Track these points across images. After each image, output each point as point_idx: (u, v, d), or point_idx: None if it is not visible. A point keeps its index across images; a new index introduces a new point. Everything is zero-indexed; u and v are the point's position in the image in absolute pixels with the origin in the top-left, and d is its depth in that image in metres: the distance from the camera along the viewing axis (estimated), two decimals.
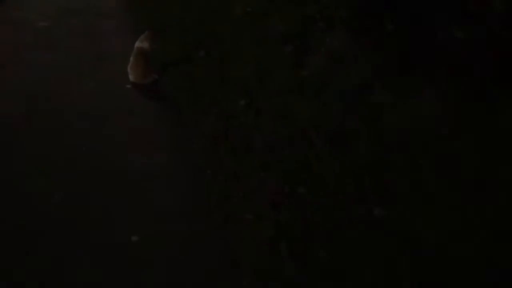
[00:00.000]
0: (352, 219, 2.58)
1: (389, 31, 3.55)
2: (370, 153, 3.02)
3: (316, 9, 4.31)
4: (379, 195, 2.72)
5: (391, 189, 2.75)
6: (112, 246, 2.44)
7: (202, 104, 3.69)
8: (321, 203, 2.68)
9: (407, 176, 2.83)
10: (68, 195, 2.77)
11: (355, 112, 3.37)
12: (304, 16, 4.39)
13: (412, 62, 3.41)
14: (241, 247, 2.45)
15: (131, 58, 4.11)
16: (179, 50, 4.56)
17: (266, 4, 4.97)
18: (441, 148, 3.00)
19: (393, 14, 3.52)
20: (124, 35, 5.27)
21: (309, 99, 3.54)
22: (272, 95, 3.65)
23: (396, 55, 3.50)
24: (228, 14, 5.07)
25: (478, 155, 2.89)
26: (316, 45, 4.06)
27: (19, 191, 2.80)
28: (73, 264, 2.33)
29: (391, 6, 3.53)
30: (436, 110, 3.21)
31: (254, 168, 2.96)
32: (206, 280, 2.30)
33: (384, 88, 3.44)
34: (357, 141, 3.13)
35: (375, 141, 3.10)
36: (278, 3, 4.86)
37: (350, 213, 2.62)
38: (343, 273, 2.27)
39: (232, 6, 5.11)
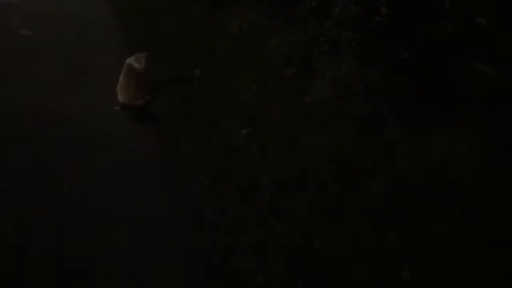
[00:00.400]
0: (377, 282, 2.09)
1: (404, 59, 3.05)
2: (388, 197, 2.53)
3: (319, 31, 3.77)
4: (404, 251, 2.23)
5: (417, 244, 2.27)
6: None
7: (200, 131, 3.14)
8: (341, 262, 2.18)
9: (432, 227, 2.36)
10: (43, 246, 2.17)
11: (366, 148, 2.88)
12: (306, 38, 3.86)
13: (429, 95, 2.93)
14: None
15: (121, 76, 3.49)
16: (173, 67, 3.99)
17: (263, 22, 4.43)
18: (463, 194, 2.53)
19: (410, 40, 3.02)
20: (113, 46, 4.65)
21: (317, 131, 3.03)
22: (275, 125, 3.14)
23: (411, 87, 3.01)
24: (224, 30, 4.52)
25: (506, 204, 2.44)
26: (321, 70, 3.54)
27: None
28: None
29: (407, 31, 3.02)
30: (455, 150, 2.75)
31: (263, 213, 2.44)
32: None
33: (397, 123, 2.95)
34: (373, 183, 2.64)
35: (392, 183, 2.62)
36: (277, 22, 4.32)
37: (375, 275, 2.12)
38: None
39: (228, 22, 4.55)
